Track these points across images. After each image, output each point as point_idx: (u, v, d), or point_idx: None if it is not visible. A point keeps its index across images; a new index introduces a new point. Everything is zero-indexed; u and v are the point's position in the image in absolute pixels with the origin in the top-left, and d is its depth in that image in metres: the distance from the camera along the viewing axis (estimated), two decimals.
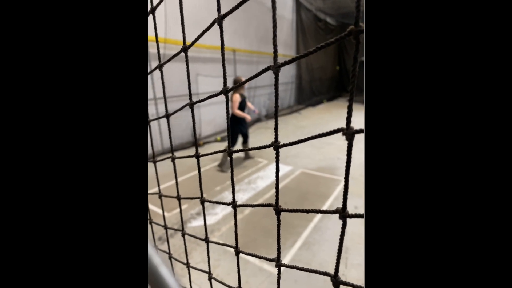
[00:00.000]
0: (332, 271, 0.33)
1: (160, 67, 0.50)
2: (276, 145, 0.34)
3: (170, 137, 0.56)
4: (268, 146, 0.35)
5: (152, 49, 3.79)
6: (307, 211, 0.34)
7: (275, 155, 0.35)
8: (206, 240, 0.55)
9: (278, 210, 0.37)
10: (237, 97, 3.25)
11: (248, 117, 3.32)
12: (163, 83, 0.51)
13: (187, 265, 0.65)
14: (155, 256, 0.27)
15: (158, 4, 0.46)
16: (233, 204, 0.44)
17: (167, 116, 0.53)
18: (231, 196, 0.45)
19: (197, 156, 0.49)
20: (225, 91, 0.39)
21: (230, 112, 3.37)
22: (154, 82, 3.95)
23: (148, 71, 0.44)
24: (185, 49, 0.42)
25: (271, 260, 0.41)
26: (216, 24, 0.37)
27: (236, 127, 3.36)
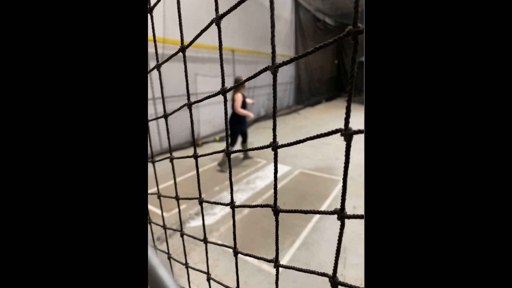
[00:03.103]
0: (330, 271, 0.33)
1: (158, 67, 0.50)
2: (275, 146, 0.34)
3: (168, 138, 0.56)
4: (267, 147, 0.35)
5: (150, 49, 3.78)
6: (306, 212, 0.34)
7: (273, 156, 0.35)
8: (205, 240, 0.55)
9: (276, 211, 0.37)
10: (239, 96, 3.25)
11: (251, 115, 3.33)
12: (161, 83, 0.51)
13: (186, 265, 0.65)
14: (154, 257, 0.27)
15: (155, 4, 0.46)
16: (232, 204, 0.44)
17: (165, 116, 0.53)
18: (230, 196, 0.45)
19: (196, 156, 0.49)
20: (223, 91, 0.39)
21: (231, 111, 3.37)
22: (152, 82, 3.94)
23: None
24: (183, 49, 0.41)
25: (269, 261, 0.40)
26: (214, 24, 0.37)
27: (237, 126, 3.36)
